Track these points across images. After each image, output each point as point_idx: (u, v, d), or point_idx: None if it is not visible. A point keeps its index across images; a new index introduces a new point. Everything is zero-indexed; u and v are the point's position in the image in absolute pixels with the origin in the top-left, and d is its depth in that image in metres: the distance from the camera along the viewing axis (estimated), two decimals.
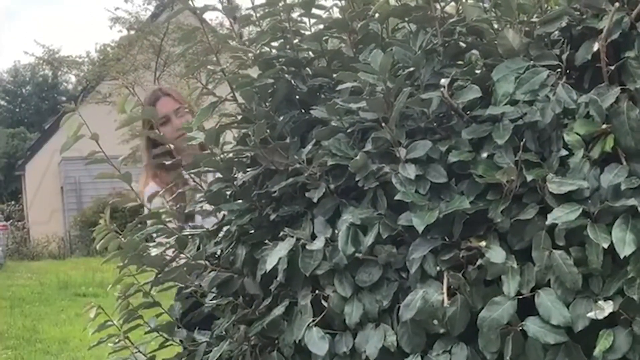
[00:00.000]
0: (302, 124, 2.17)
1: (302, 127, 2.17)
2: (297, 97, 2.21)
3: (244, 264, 2.16)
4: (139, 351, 2.41)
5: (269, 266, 1.98)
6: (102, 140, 2.23)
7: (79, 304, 13.51)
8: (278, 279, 2.01)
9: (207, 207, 2.33)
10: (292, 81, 2.18)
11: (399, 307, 1.86)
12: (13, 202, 33.16)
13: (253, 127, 2.05)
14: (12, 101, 54.45)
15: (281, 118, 2.16)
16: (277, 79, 2.16)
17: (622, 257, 1.67)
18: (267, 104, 2.17)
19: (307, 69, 2.22)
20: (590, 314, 1.69)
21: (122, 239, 2.21)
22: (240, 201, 2.19)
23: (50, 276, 17.98)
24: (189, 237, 2.31)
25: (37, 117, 48.77)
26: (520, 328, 1.73)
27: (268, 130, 2.07)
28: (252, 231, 2.19)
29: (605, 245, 1.68)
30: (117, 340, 2.38)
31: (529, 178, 1.77)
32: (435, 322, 1.82)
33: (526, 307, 1.74)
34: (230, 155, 2.19)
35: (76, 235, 25.31)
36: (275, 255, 1.97)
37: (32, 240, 27.37)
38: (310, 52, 2.22)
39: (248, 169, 2.20)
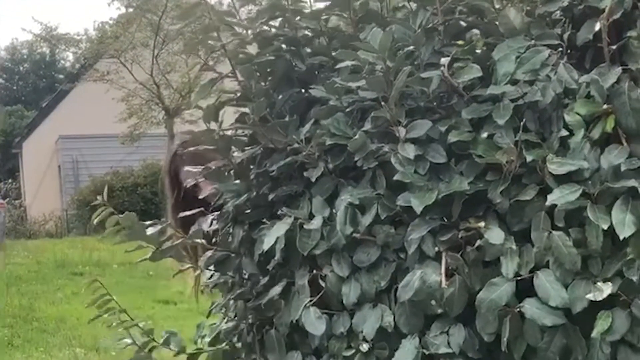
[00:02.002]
0: (302, 102, 2.15)
1: (301, 106, 2.15)
2: (296, 76, 2.19)
3: (241, 244, 2.16)
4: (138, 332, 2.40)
5: (266, 246, 1.97)
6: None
7: (76, 283, 13.55)
8: (275, 258, 2.01)
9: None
10: (291, 60, 2.16)
11: (397, 287, 1.85)
12: (10, 180, 33.10)
13: (252, 105, 2.04)
14: (9, 79, 54.31)
15: (280, 96, 2.15)
16: (277, 58, 2.14)
17: (621, 238, 1.66)
18: (266, 82, 2.15)
19: (307, 48, 2.19)
20: (589, 296, 1.68)
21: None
22: (237, 181, 2.18)
23: (47, 255, 18.00)
24: None
25: (35, 95, 48.59)
26: (519, 309, 1.73)
27: (267, 109, 2.06)
28: (249, 211, 2.18)
29: (605, 227, 1.67)
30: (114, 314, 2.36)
31: (529, 158, 1.75)
32: (433, 302, 1.81)
33: (525, 288, 1.74)
34: (229, 132, 2.17)
35: (73, 214, 25.31)
36: (273, 235, 1.96)
37: (29, 219, 27.36)
38: (310, 31, 2.19)
39: (246, 148, 2.18)
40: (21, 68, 54.31)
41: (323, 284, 1.96)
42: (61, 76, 49.22)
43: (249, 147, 2.17)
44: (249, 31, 2.13)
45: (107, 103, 19.92)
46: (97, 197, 2.19)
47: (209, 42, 2.09)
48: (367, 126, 1.94)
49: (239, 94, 2.13)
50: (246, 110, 2.10)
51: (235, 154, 2.19)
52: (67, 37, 23.00)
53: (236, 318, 2.24)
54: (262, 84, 2.13)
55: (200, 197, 3.48)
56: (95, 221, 2.16)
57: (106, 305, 2.35)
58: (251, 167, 2.17)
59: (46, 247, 20.04)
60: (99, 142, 24.57)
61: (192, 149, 3.61)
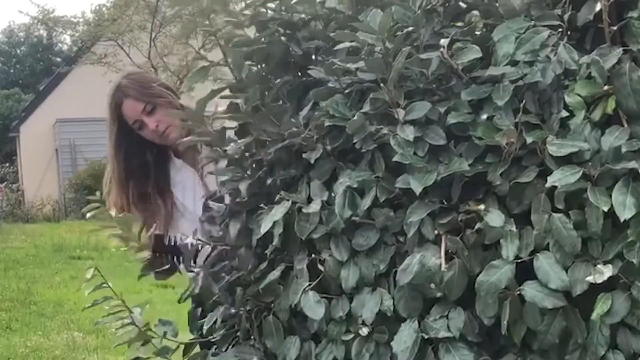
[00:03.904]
0: (298, 87, 2.14)
1: (298, 91, 2.13)
2: (293, 60, 2.17)
3: (238, 236, 2.14)
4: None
5: (263, 229, 1.96)
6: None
7: (73, 267, 13.60)
8: (274, 243, 1.99)
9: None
10: (287, 44, 2.14)
11: (396, 271, 1.84)
12: (7, 164, 33.08)
13: (244, 95, 2.02)
14: (6, 62, 54.25)
15: (277, 81, 2.13)
16: (272, 42, 2.12)
17: (622, 220, 1.65)
18: (262, 67, 2.13)
19: (303, 31, 2.17)
20: (589, 278, 1.67)
21: None
22: (232, 167, 2.16)
23: (44, 239, 18.05)
24: None
25: (32, 78, 48.58)
26: (518, 292, 1.72)
27: (259, 99, 2.04)
28: (245, 199, 2.16)
29: (605, 209, 1.66)
30: (113, 304, 2.36)
31: (529, 140, 1.74)
32: (433, 286, 1.80)
33: (524, 271, 1.73)
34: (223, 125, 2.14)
35: (71, 198, 25.31)
36: (270, 219, 1.95)
37: (27, 203, 27.37)
38: (306, 14, 2.17)
39: (239, 140, 2.16)
40: (18, 51, 54.21)
41: (322, 268, 1.95)
42: (58, 59, 49.19)
43: (242, 140, 2.14)
44: (246, 12, 2.11)
45: (105, 86, 19.85)
46: (94, 180, 2.17)
47: (204, 28, 2.06)
48: (366, 108, 1.93)
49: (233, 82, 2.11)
50: (237, 100, 2.08)
51: (231, 145, 2.16)
52: (65, 19, 22.97)
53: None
54: (258, 67, 2.11)
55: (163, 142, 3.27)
56: (88, 215, 2.14)
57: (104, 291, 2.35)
58: (247, 154, 2.15)
59: (44, 231, 20.09)
60: (96, 125, 24.46)
61: (136, 76, 3.41)
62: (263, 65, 2.13)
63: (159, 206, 3.37)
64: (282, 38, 2.13)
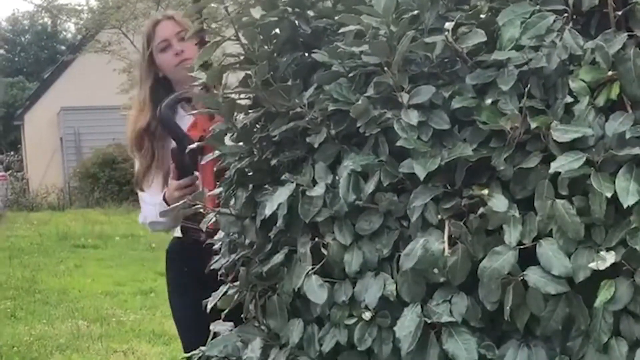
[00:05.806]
0: (305, 66, 2.13)
1: (305, 70, 2.12)
2: (301, 39, 2.16)
3: (244, 206, 2.14)
4: None
5: (268, 211, 1.96)
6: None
7: (78, 256, 13.62)
8: (277, 225, 1.99)
9: None
10: (296, 22, 2.13)
11: (399, 256, 1.84)
12: (12, 153, 33.12)
13: (255, 69, 2.01)
14: (10, 50, 54.27)
15: (284, 59, 2.12)
16: (281, 20, 2.11)
17: (625, 206, 1.64)
18: (270, 46, 2.12)
19: (311, 10, 2.16)
20: (592, 265, 1.66)
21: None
22: (241, 144, 2.16)
23: (49, 227, 18.07)
24: None
25: (36, 66, 48.63)
26: (521, 278, 1.71)
27: (271, 72, 2.03)
28: (251, 174, 2.16)
29: (609, 195, 1.65)
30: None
31: (533, 125, 1.73)
32: (436, 271, 1.80)
33: (527, 257, 1.72)
34: (232, 96, 2.14)
35: (75, 187, 25.33)
36: (275, 201, 1.94)
37: (31, 191, 27.42)
38: None
39: (249, 111, 2.16)
40: (23, 39, 54.24)
41: (325, 252, 1.95)
42: (63, 47, 49.20)
43: (252, 111, 2.14)
44: None
45: (109, 74, 19.89)
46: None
47: (212, 4, 2.06)
48: (370, 92, 1.92)
49: (242, 58, 2.10)
50: (249, 73, 2.07)
51: (239, 117, 2.16)
52: (69, 7, 22.97)
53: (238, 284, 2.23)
54: (266, 47, 2.10)
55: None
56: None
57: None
58: (254, 129, 2.15)
59: (48, 220, 20.12)
60: (101, 113, 24.51)
61: None
62: (270, 44, 2.12)
63: (148, 150, 3.48)
64: (292, 17, 2.12)
